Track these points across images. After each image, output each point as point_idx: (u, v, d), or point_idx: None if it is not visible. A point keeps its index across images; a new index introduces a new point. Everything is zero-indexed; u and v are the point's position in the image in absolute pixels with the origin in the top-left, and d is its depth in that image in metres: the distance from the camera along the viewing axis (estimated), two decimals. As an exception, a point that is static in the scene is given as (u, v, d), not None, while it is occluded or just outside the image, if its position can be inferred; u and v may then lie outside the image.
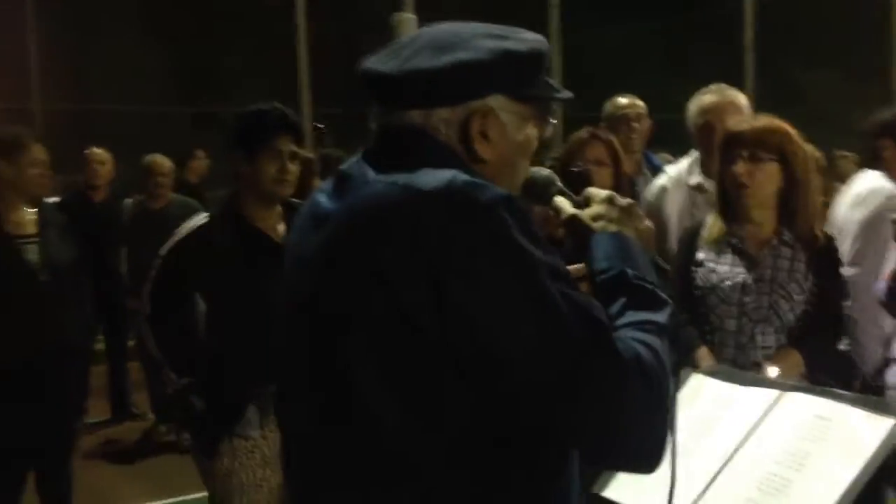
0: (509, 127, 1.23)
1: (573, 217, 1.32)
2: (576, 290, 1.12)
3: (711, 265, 2.46)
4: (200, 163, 6.34)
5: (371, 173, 1.18)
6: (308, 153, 4.80)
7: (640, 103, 3.88)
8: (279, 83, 8.36)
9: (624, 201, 1.32)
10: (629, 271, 1.22)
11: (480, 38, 1.22)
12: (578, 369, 1.08)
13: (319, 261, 1.18)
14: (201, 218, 2.61)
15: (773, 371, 2.21)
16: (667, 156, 4.59)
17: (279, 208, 2.62)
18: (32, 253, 3.19)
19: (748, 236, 2.44)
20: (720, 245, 2.47)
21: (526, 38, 1.24)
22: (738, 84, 4.86)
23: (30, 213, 3.27)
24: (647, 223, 1.33)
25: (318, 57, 7.85)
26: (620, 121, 3.79)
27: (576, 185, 2.62)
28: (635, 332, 1.15)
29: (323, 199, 1.25)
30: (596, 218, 1.30)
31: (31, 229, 3.23)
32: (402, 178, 1.14)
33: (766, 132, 2.34)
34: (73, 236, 3.43)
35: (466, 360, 1.09)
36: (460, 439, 1.12)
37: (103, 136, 7.32)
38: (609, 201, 1.31)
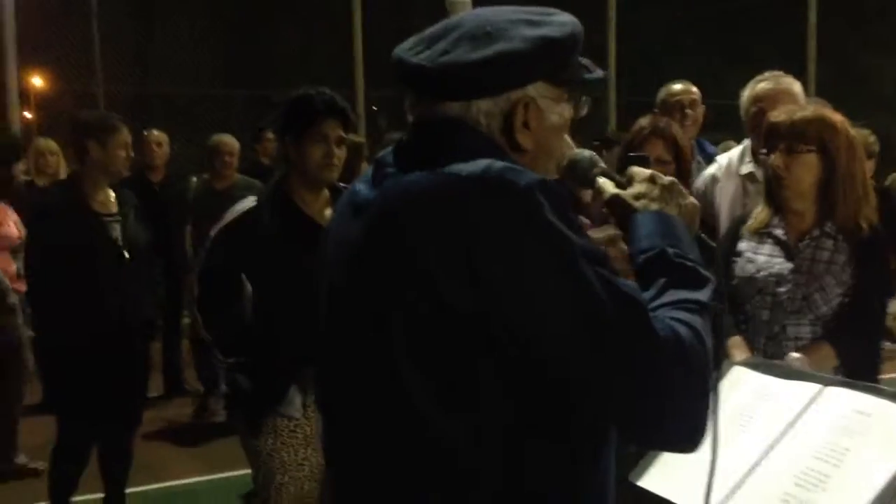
0: (546, 112, 1.24)
1: (615, 196, 1.31)
2: (613, 273, 1.12)
3: (750, 255, 2.44)
4: (270, 144, 6.40)
5: (409, 164, 1.19)
6: (358, 138, 4.84)
7: (695, 90, 3.83)
8: (334, 66, 8.42)
9: (666, 179, 1.31)
10: (669, 249, 1.21)
11: (517, 25, 1.21)
12: (614, 350, 1.08)
13: (358, 249, 1.20)
14: (250, 201, 2.65)
15: (796, 358, 2.19)
16: (730, 143, 4.49)
17: (326, 193, 2.66)
18: (115, 231, 3.36)
19: (789, 227, 2.40)
20: (762, 235, 2.44)
21: (562, 22, 1.24)
22: (801, 69, 4.75)
23: (111, 193, 3.44)
24: (692, 200, 1.31)
25: (372, 39, 7.88)
26: (674, 107, 3.75)
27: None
28: (675, 311, 1.15)
29: (362, 188, 1.26)
30: (638, 197, 1.29)
31: (114, 209, 3.41)
32: (441, 166, 1.15)
33: (804, 123, 2.29)
34: (145, 217, 3.60)
35: (502, 341, 1.10)
36: (495, 424, 1.13)
37: (161, 119, 7.50)
38: (651, 180, 1.30)
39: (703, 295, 1.19)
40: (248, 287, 2.62)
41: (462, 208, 1.10)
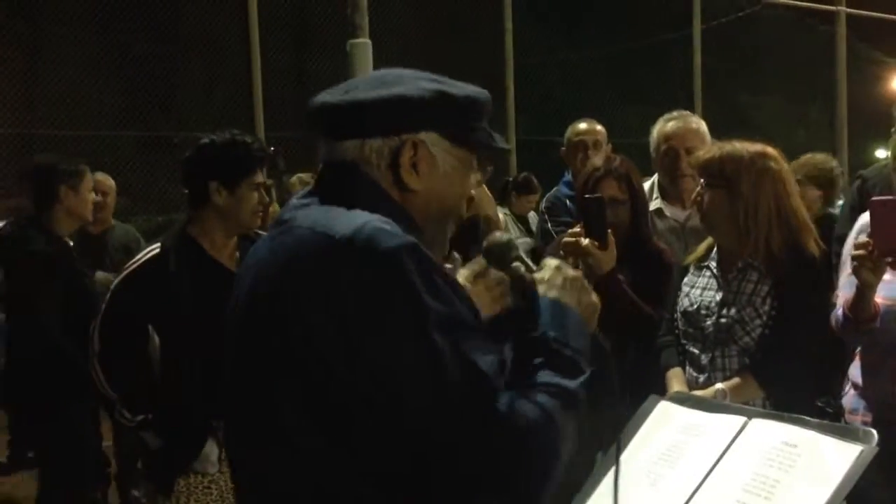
0: (440, 163, 1.32)
1: (521, 277, 1.39)
2: (474, 341, 1.20)
3: (688, 289, 2.53)
4: None
5: (300, 217, 1.29)
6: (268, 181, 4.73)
7: (599, 128, 3.91)
8: (234, 107, 8.29)
9: (571, 272, 1.39)
10: (551, 335, 1.28)
11: (421, 80, 1.32)
12: (450, 418, 1.17)
13: (248, 300, 1.29)
14: (153, 248, 2.53)
15: (719, 389, 2.26)
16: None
17: (235, 239, 2.58)
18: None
19: (722, 259, 2.50)
20: (701, 268, 2.55)
21: (465, 87, 1.34)
22: (688, 108, 4.96)
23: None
24: (594, 299, 1.40)
25: (271, 81, 7.81)
26: (577, 147, 3.82)
27: (591, 212, 2.66)
28: (535, 392, 1.21)
29: (263, 242, 1.37)
30: (541, 282, 1.37)
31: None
32: (321, 222, 1.24)
33: (712, 161, 2.43)
34: None
35: (368, 399, 1.18)
36: (373, 470, 1.20)
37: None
38: (557, 269, 1.38)
39: (572, 384, 1.25)
40: (155, 339, 2.50)
41: (330, 273, 1.19)
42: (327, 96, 1.34)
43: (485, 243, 1.43)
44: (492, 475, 1.18)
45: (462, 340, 1.18)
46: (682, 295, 2.52)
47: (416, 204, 1.32)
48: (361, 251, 1.18)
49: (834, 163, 4.59)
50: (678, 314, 2.52)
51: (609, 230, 2.59)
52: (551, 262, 1.41)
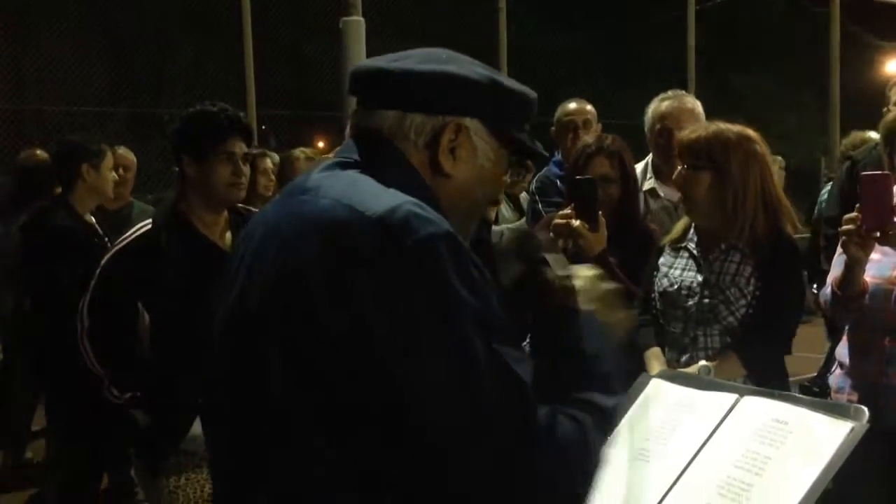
0: (479, 153, 1.24)
1: (558, 282, 1.30)
2: (507, 344, 1.09)
3: (665, 269, 2.52)
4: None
5: (325, 186, 1.17)
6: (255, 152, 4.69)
7: (589, 108, 3.87)
8: (224, 85, 8.23)
9: (609, 286, 1.33)
10: (589, 349, 1.22)
11: (475, 65, 1.25)
12: (482, 425, 1.06)
13: (265, 272, 1.17)
14: (144, 225, 2.51)
15: (704, 366, 2.27)
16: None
17: (226, 215, 2.55)
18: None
19: (701, 240, 2.48)
20: (678, 249, 2.53)
21: (516, 83, 1.27)
22: (682, 90, 4.97)
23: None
24: (625, 314, 1.34)
25: (263, 59, 7.75)
26: (567, 127, 3.80)
27: (582, 193, 2.64)
28: (572, 407, 1.14)
29: (271, 210, 1.26)
30: (578, 291, 1.30)
31: (100, 231, 3.57)
32: (348, 195, 1.13)
33: (698, 142, 2.39)
34: None
35: (375, 389, 1.07)
36: (367, 459, 1.09)
37: (40, 137, 7.11)
38: (594, 280, 1.32)
39: (607, 402, 1.19)
40: (145, 316, 2.48)
41: (358, 252, 1.08)
42: (374, 61, 1.25)
43: (515, 233, 1.39)
44: (527, 491, 1.08)
45: (500, 344, 1.08)
46: (661, 275, 2.51)
47: (446, 191, 1.23)
48: (394, 234, 1.07)
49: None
50: (656, 294, 2.50)
51: (600, 211, 2.58)
52: (586, 271, 1.34)
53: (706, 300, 2.40)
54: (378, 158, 1.21)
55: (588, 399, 1.16)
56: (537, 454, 1.08)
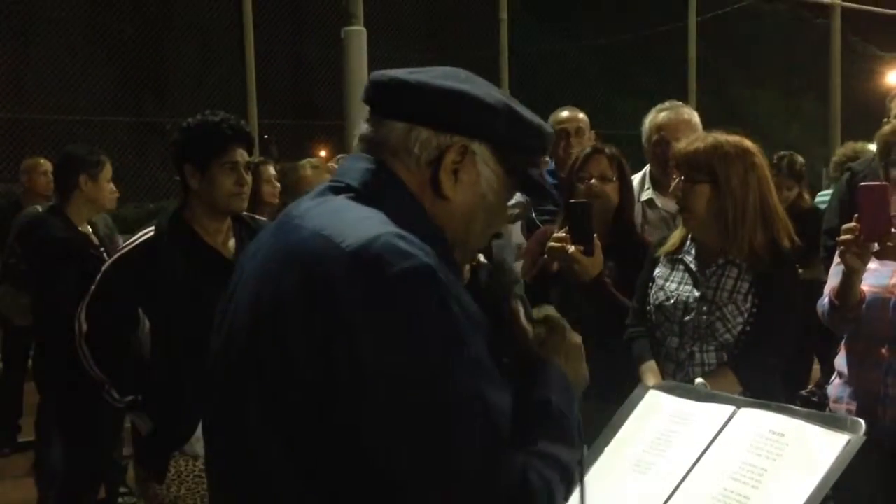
0: (483, 179, 1.20)
1: (524, 331, 1.31)
2: (487, 380, 1.07)
3: (662, 282, 2.49)
4: None
5: (309, 215, 1.16)
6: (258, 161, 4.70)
7: (581, 116, 3.84)
8: (226, 94, 8.25)
9: (575, 340, 1.33)
10: (555, 399, 1.20)
11: (493, 89, 1.22)
12: (453, 470, 1.04)
13: (242, 298, 1.18)
14: (147, 232, 2.52)
15: (700, 383, 2.24)
16: None
17: (229, 222, 2.56)
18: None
19: (698, 254, 2.46)
20: (674, 262, 2.50)
21: (534, 115, 1.23)
22: (683, 100, 4.97)
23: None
24: (586, 371, 1.34)
25: (265, 68, 7.77)
26: (559, 135, 3.79)
27: (577, 217, 2.62)
28: (539, 462, 1.11)
29: (267, 234, 1.25)
30: (542, 342, 1.30)
31: (96, 241, 3.62)
32: (329, 225, 1.11)
33: (696, 154, 2.35)
34: None
35: (344, 427, 1.05)
36: (336, 497, 1.09)
37: (42, 146, 7.13)
38: (562, 332, 1.32)
39: (570, 458, 1.18)
40: (146, 322, 2.49)
41: (330, 286, 1.05)
42: (392, 72, 1.22)
43: (495, 262, 1.34)
44: None
45: (479, 380, 1.05)
46: (656, 288, 2.48)
47: (443, 215, 1.19)
48: (369, 268, 1.04)
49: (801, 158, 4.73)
50: (651, 307, 2.48)
51: (595, 234, 2.56)
52: (558, 319, 1.32)
53: (703, 316, 2.36)
54: (373, 182, 1.18)
55: (555, 455, 1.14)
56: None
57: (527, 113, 1.22)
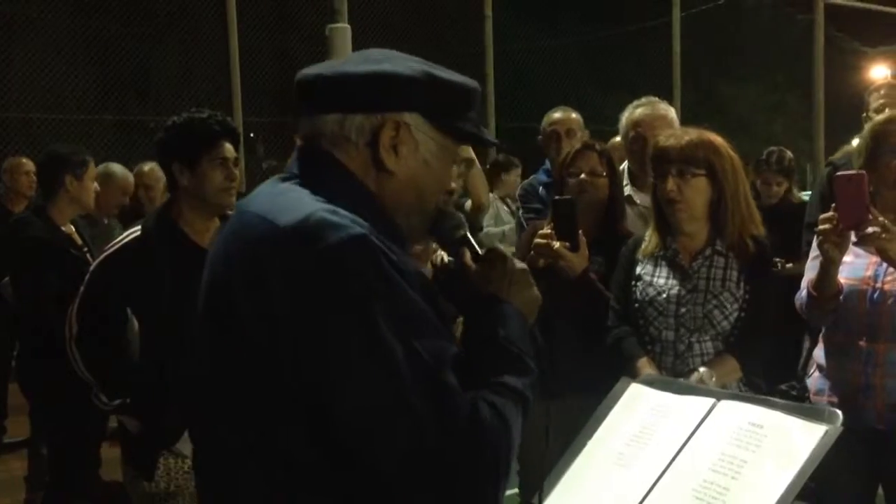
0: (422, 146, 1.27)
1: (468, 268, 1.37)
2: (431, 338, 1.14)
3: (648, 278, 2.51)
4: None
5: (254, 201, 1.26)
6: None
7: (574, 117, 3.88)
8: (211, 92, 8.23)
9: (518, 266, 1.37)
10: (501, 333, 1.27)
11: (410, 61, 1.27)
12: (400, 418, 1.11)
13: (204, 286, 1.27)
14: (133, 231, 2.51)
15: (705, 372, 2.29)
16: None
17: (217, 221, 2.55)
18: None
19: (682, 248, 2.48)
20: (657, 258, 2.52)
21: (454, 74, 1.29)
22: (667, 96, 4.99)
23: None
24: (535, 292, 1.37)
25: (249, 66, 7.75)
26: (551, 136, 3.82)
27: (562, 213, 2.64)
28: (489, 393, 1.19)
29: (229, 222, 1.33)
30: (486, 277, 1.35)
31: (79, 241, 3.63)
32: (269, 208, 1.20)
33: (693, 147, 2.38)
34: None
35: (299, 395, 1.13)
36: (294, 456, 1.16)
37: (25, 145, 7.09)
38: (503, 262, 1.36)
39: (521, 383, 1.24)
40: (134, 323, 2.48)
41: (269, 265, 1.14)
42: (314, 69, 1.29)
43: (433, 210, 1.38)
44: (447, 480, 1.14)
45: (418, 338, 1.13)
46: (644, 284, 2.51)
47: (392, 188, 1.26)
48: (303, 244, 1.13)
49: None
50: (642, 303, 2.49)
51: (580, 231, 2.58)
52: (499, 254, 1.38)
53: (699, 306, 2.41)
54: (313, 168, 1.26)
55: (505, 383, 1.21)
56: (457, 442, 1.13)
57: (447, 74, 1.28)
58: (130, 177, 4.76)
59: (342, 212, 1.16)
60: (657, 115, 3.14)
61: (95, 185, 3.68)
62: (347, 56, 1.32)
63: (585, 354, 2.56)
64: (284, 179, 1.28)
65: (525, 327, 1.32)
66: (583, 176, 2.76)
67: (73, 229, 3.63)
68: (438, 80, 1.25)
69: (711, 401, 1.67)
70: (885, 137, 2.46)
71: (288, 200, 1.20)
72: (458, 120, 1.29)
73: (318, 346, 1.11)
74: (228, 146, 2.47)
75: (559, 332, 2.59)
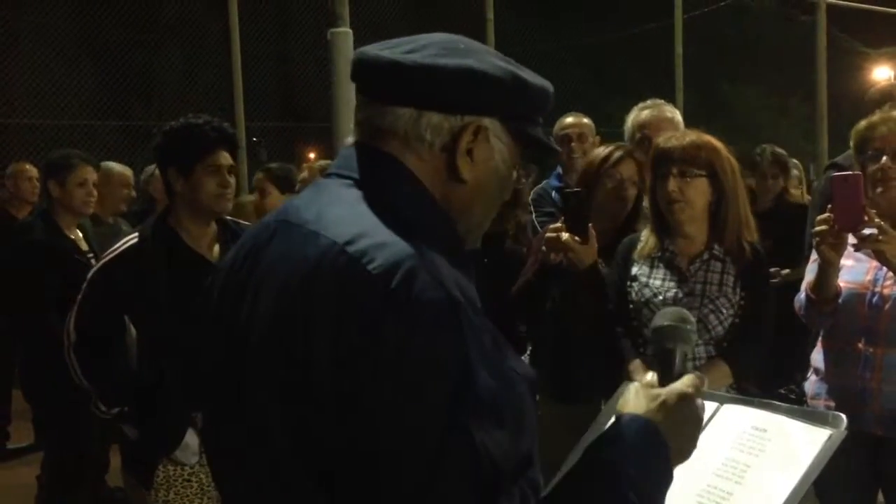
0: (497, 154, 1.14)
1: (651, 387, 1.24)
2: (492, 422, 0.97)
3: (645, 280, 2.50)
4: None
5: (324, 220, 1.07)
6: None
7: (586, 122, 3.89)
8: (214, 97, 8.24)
9: (696, 412, 1.22)
10: (627, 463, 1.10)
11: (492, 55, 1.14)
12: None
13: (265, 311, 1.08)
14: (131, 238, 2.51)
15: (699, 375, 2.27)
16: None
17: (214, 227, 2.55)
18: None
19: (680, 251, 2.48)
20: (654, 259, 2.51)
21: (535, 76, 1.16)
22: (670, 98, 4.99)
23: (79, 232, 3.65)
24: (692, 447, 1.24)
25: (251, 71, 7.76)
26: (562, 141, 3.82)
27: (572, 206, 2.64)
28: None
29: (262, 232, 1.16)
30: (659, 407, 1.19)
31: (84, 246, 3.60)
32: (354, 238, 1.02)
33: (695, 148, 2.37)
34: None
35: (350, 447, 0.98)
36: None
37: (29, 151, 7.11)
38: (682, 398, 1.21)
39: None
40: (132, 330, 2.48)
41: (359, 307, 0.98)
42: (386, 51, 1.11)
43: (661, 326, 1.28)
44: None
45: (480, 426, 0.95)
46: (640, 285, 2.49)
47: (459, 197, 1.12)
48: (395, 296, 0.97)
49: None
50: (637, 304, 2.48)
51: (590, 223, 2.58)
52: (692, 383, 1.24)
53: (695, 310, 2.38)
54: (380, 175, 1.10)
55: None
56: None
57: (531, 77, 1.15)
58: (129, 171, 4.77)
59: (432, 262, 1.01)
60: (663, 117, 3.15)
61: (87, 189, 3.56)
62: (419, 40, 1.13)
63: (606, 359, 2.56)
64: (344, 185, 1.12)
65: (664, 474, 1.15)
66: (624, 182, 2.76)
67: (80, 235, 3.61)
68: (523, 83, 1.13)
69: (714, 405, 1.66)
70: (866, 143, 2.46)
71: (370, 227, 1.04)
72: (530, 125, 1.17)
73: (383, 404, 0.96)
74: (224, 154, 2.46)
75: (578, 336, 2.60)
